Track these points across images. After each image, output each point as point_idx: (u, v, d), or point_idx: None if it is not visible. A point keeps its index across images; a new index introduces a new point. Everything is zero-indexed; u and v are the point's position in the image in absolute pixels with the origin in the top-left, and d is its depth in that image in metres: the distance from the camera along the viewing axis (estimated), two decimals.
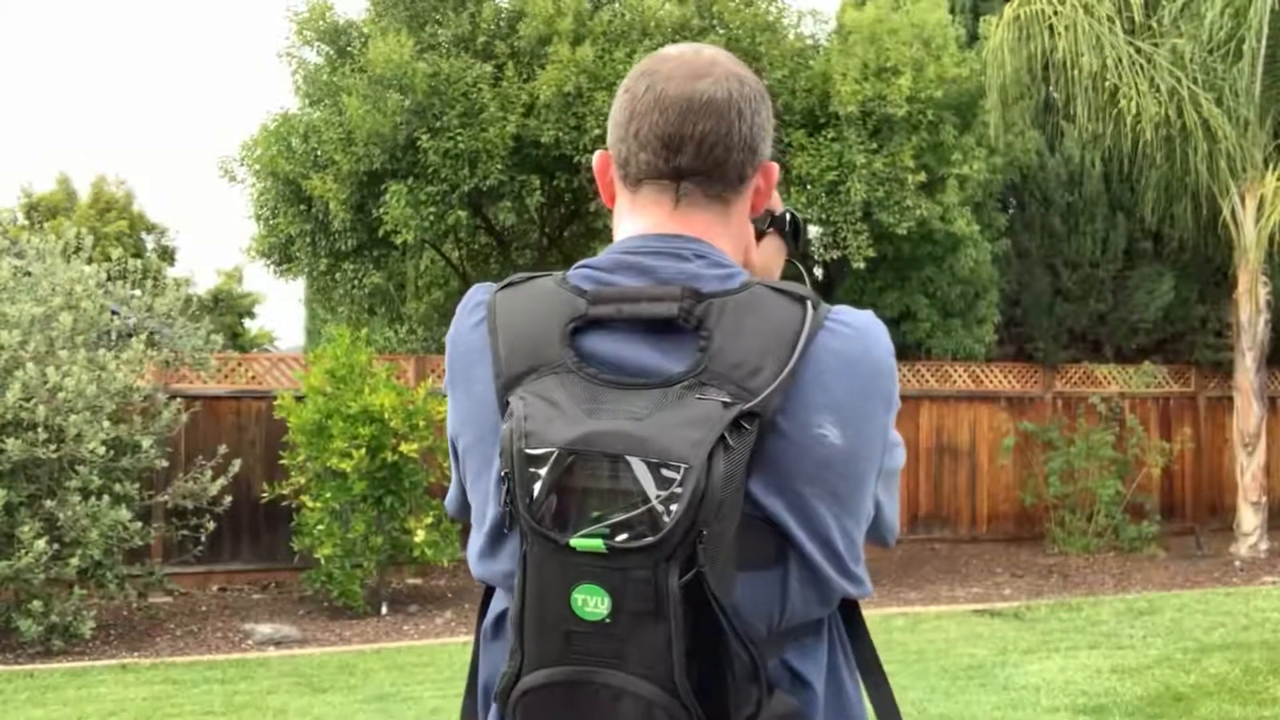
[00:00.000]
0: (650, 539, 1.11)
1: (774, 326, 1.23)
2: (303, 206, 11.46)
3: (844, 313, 1.29)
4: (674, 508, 1.10)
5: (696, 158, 1.32)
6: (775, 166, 1.41)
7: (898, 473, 1.39)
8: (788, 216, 1.53)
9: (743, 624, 1.17)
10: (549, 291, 1.30)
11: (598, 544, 1.12)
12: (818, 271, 12.65)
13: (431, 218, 10.45)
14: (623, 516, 1.12)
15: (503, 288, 1.34)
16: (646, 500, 1.11)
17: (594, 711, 1.17)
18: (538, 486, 1.15)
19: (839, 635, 1.35)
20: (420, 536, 9.03)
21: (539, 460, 1.15)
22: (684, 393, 1.18)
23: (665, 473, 1.11)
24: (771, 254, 1.51)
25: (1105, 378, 13.59)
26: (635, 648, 1.14)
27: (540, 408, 1.19)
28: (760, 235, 1.50)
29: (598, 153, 1.43)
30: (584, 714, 1.18)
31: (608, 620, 1.14)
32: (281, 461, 9.54)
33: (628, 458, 1.13)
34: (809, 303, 1.25)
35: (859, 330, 1.28)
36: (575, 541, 1.13)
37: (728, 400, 1.17)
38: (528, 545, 1.17)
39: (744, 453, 1.15)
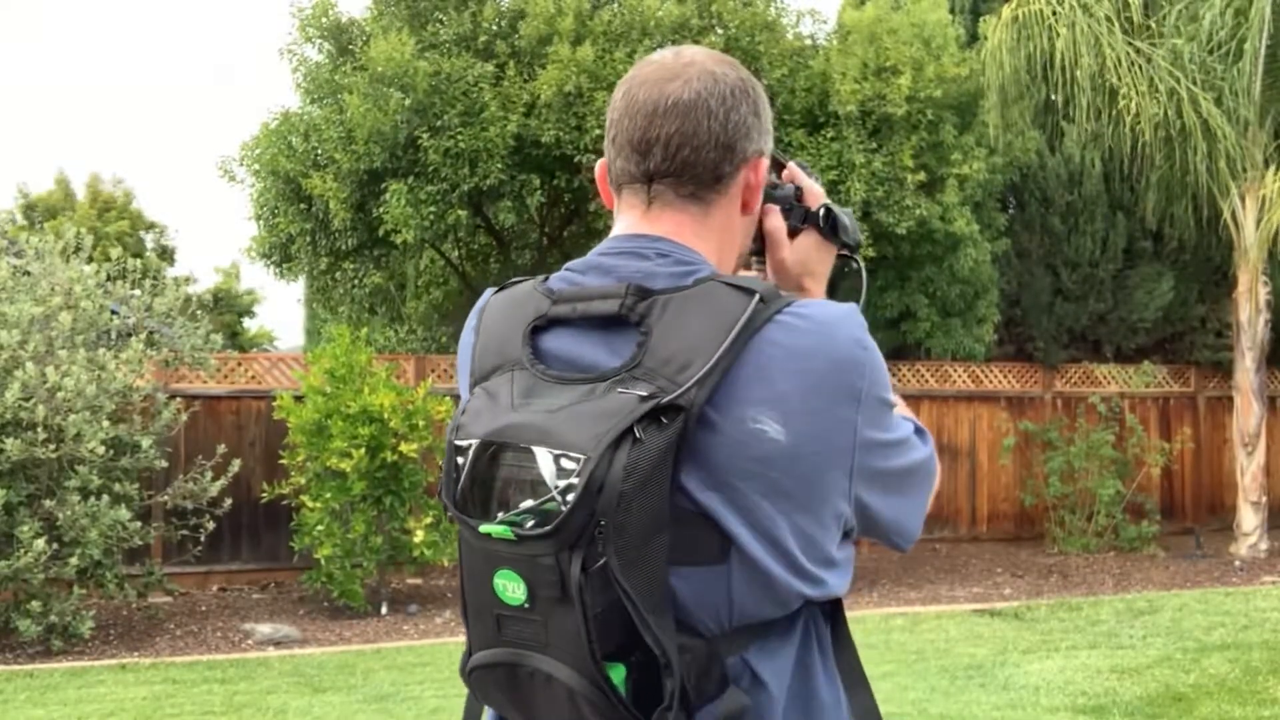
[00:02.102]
0: (547, 527, 1.14)
1: (714, 321, 1.22)
2: (303, 206, 11.45)
3: (806, 306, 1.26)
4: (570, 497, 1.13)
5: (664, 160, 1.33)
6: (764, 161, 1.39)
7: (905, 474, 1.34)
8: (821, 212, 1.50)
9: (688, 617, 1.20)
10: (525, 293, 1.35)
11: (506, 531, 1.17)
12: None
13: (432, 217, 10.44)
14: (530, 504, 1.16)
15: (497, 291, 1.39)
16: (548, 490, 1.15)
17: (531, 694, 1.22)
18: (462, 475, 1.21)
19: (817, 638, 1.31)
20: (420, 536, 9.03)
21: (463, 451, 1.22)
22: (611, 387, 1.20)
23: (565, 463, 1.15)
24: (809, 251, 1.50)
25: (1105, 377, 13.59)
26: (555, 634, 1.18)
27: (478, 402, 1.26)
28: (794, 233, 1.49)
29: (600, 160, 1.45)
30: (523, 695, 1.23)
31: (526, 605, 1.18)
32: (281, 461, 9.54)
33: (534, 448, 1.17)
34: (757, 296, 1.23)
35: (816, 324, 1.25)
36: (486, 528, 1.18)
37: (645, 394, 1.17)
38: (459, 531, 1.25)
39: (659, 446, 1.15)
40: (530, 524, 1.16)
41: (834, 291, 1.54)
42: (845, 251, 1.54)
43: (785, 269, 1.49)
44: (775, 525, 1.22)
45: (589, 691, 1.17)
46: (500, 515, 1.18)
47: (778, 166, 1.53)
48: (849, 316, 1.28)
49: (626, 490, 1.13)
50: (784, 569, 1.23)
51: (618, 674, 1.19)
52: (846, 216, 1.52)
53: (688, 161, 1.33)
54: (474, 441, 1.21)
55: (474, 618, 1.25)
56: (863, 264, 1.57)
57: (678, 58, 1.37)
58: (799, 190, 1.50)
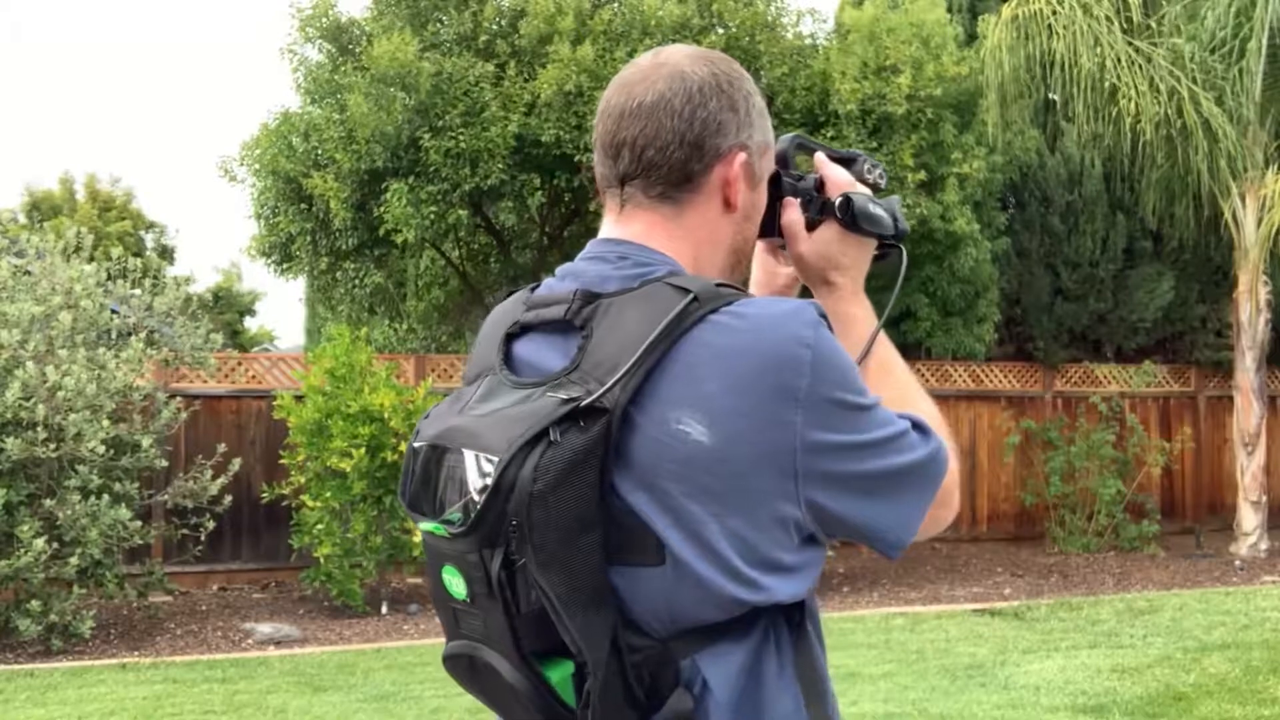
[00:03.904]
0: (464, 526, 1.19)
1: (646, 322, 1.22)
2: (303, 205, 11.45)
3: (749, 304, 1.24)
4: (483, 498, 1.17)
5: (632, 162, 1.34)
6: (739, 156, 1.35)
7: (883, 477, 1.26)
8: (838, 202, 1.44)
9: (635, 617, 1.21)
10: (514, 300, 1.38)
11: (440, 528, 1.22)
12: None
13: (432, 217, 10.44)
14: (460, 503, 1.21)
15: (503, 298, 1.42)
16: (469, 490, 1.20)
17: (488, 684, 1.28)
18: (413, 476, 1.28)
19: (775, 645, 1.26)
20: (420, 536, 9.01)
21: (415, 453, 1.29)
22: (546, 390, 1.22)
23: (484, 465, 1.18)
24: (829, 244, 1.45)
25: (1105, 377, 13.59)
26: (493, 629, 1.22)
27: (440, 406, 1.34)
28: (813, 225, 1.45)
29: None
30: (484, 686, 1.29)
31: (468, 600, 1.23)
32: (282, 461, 9.54)
33: (464, 450, 1.21)
34: (691, 296, 1.22)
35: (751, 322, 1.22)
36: (426, 525, 1.25)
37: (569, 397, 1.19)
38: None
39: (576, 447, 1.16)
40: (457, 522, 1.20)
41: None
42: (890, 241, 1.47)
43: (805, 263, 1.46)
44: (704, 528, 1.20)
45: (523, 685, 1.22)
46: (441, 514, 1.23)
47: (808, 154, 1.49)
48: (795, 314, 1.24)
49: (537, 491, 1.15)
50: (716, 572, 1.20)
51: (563, 670, 1.21)
52: (876, 205, 1.44)
53: (654, 162, 1.33)
54: (422, 444, 1.27)
55: (438, 611, 1.31)
56: (904, 253, 1.49)
57: (654, 59, 1.38)
58: (820, 180, 1.46)
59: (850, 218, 1.43)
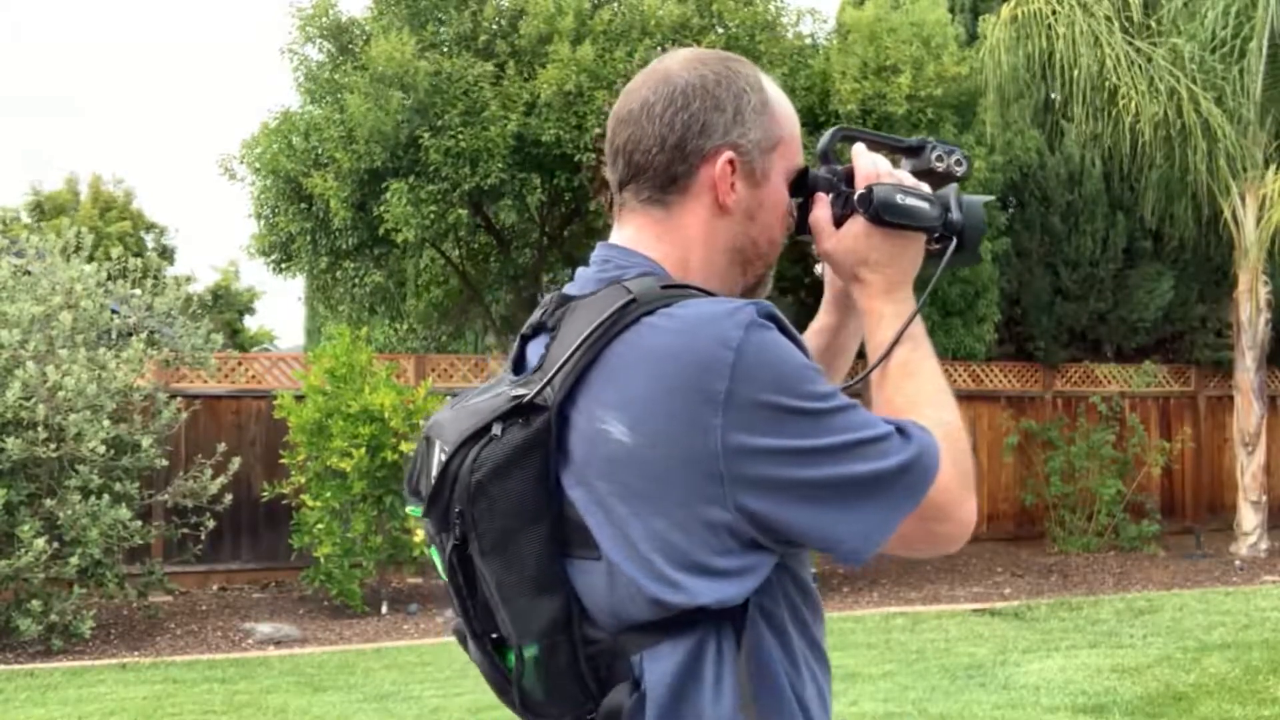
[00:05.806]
0: (423, 512, 1.28)
1: (588, 323, 1.25)
2: (303, 205, 11.44)
3: (685, 305, 1.23)
4: (432, 486, 1.26)
5: (625, 167, 1.38)
6: (724, 155, 1.33)
7: (835, 484, 1.20)
8: (858, 195, 1.37)
9: (589, 611, 1.25)
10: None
11: (416, 510, 1.31)
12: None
13: (432, 216, 10.44)
14: (426, 490, 1.29)
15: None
16: (429, 479, 1.28)
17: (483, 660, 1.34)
18: (416, 464, 1.35)
19: (716, 649, 1.23)
20: (420, 536, 9.03)
21: (419, 443, 1.36)
22: (511, 387, 1.28)
23: (441, 455, 1.26)
24: (857, 239, 1.38)
25: (1105, 377, 13.59)
26: (470, 607, 1.30)
27: (450, 400, 1.41)
28: (841, 220, 1.39)
29: None
30: (473, 658, 1.35)
31: (446, 579, 1.30)
32: (282, 461, 9.54)
33: (435, 441, 1.29)
34: (629, 297, 1.25)
35: (680, 323, 1.21)
36: (409, 508, 1.35)
37: (515, 393, 1.25)
38: None
39: (515, 442, 1.22)
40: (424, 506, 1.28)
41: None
42: (943, 234, 1.39)
43: (834, 260, 1.42)
44: (629, 526, 1.21)
45: (483, 664, 1.30)
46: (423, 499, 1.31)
47: (850, 144, 1.45)
48: (727, 315, 1.20)
49: (475, 483, 1.21)
50: (638, 570, 1.20)
51: (528, 654, 1.25)
52: (910, 195, 1.35)
53: (640, 166, 1.36)
54: (424, 433, 1.35)
55: (445, 589, 1.36)
56: (949, 248, 1.41)
57: (652, 66, 1.41)
58: (850, 173, 1.40)
59: (874, 211, 1.35)
